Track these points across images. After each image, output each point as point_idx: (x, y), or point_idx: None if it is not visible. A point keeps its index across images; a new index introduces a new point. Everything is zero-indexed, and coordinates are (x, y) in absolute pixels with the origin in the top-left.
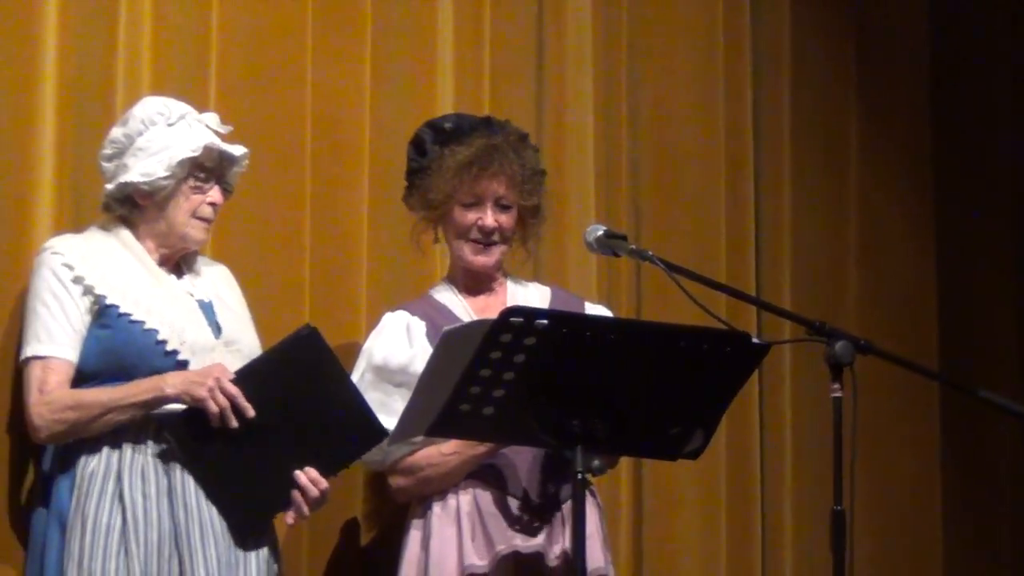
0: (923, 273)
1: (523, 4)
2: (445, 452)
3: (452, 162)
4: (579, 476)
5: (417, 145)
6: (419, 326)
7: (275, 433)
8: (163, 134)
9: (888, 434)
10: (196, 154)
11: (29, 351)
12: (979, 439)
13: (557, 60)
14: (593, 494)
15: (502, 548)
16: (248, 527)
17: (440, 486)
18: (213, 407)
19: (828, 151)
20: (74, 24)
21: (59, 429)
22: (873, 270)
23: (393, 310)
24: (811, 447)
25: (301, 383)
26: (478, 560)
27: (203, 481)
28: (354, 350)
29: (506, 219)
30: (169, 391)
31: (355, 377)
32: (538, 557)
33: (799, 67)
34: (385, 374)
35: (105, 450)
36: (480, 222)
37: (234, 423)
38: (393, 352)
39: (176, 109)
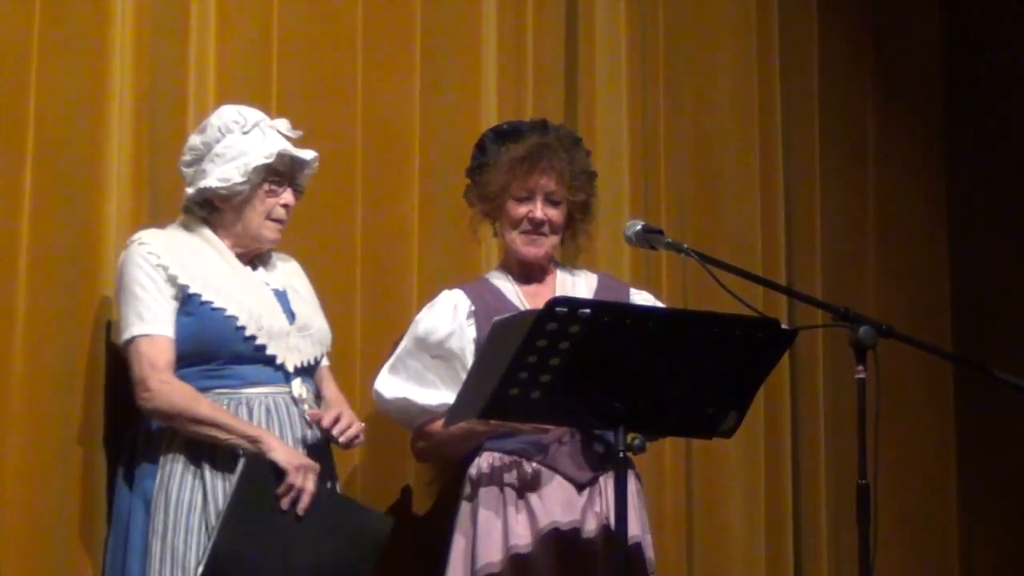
0: (937, 259)
1: (563, 14)
2: (452, 430)
3: (506, 158)
4: (621, 455)
5: (479, 145)
6: (465, 305)
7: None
8: (239, 141)
9: (908, 411)
10: (270, 160)
11: (134, 331)
12: (991, 414)
13: (594, 66)
14: (632, 467)
15: (544, 524)
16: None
17: (452, 452)
18: (296, 478)
19: (848, 147)
20: (147, 40)
21: (164, 411)
22: (890, 257)
23: (451, 288)
24: (844, 428)
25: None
26: (522, 537)
27: (230, 512)
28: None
29: (555, 213)
30: (269, 453)
31: (400, 346)
32: (575, 531)
33: (824, 71)
34: (424, 345)
35: (185, 437)
36: (531, 214)
37: (296, 505)
38: (435, 327)
39: (250, 117)
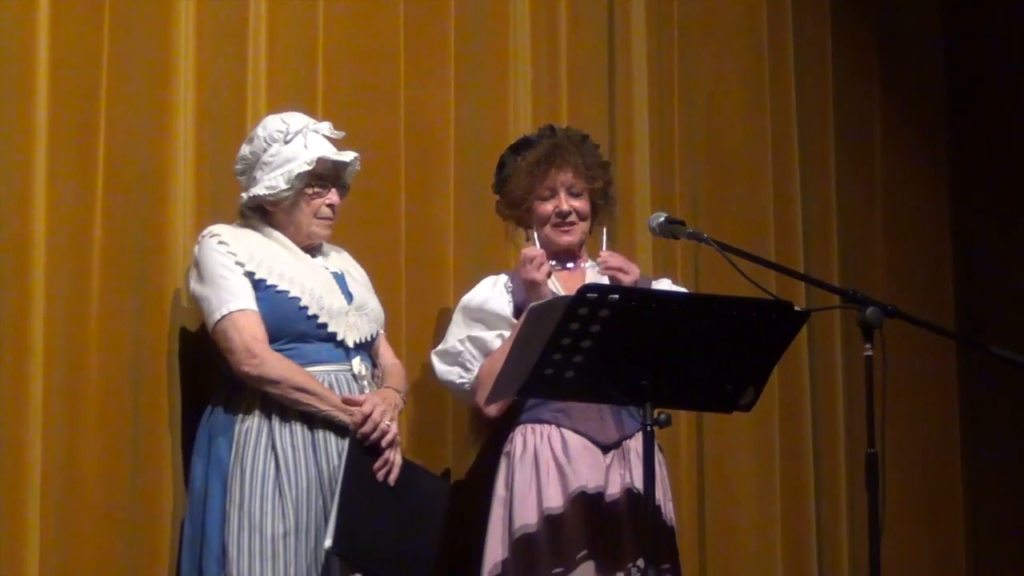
0: (940, 245)
1: (593, 27)
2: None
3: (525, 164)
4: (648, 428)
5: (499, 164)
6: (503, 280)
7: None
8: (283, 149)
9: (915, 387)
10: (311, 167)
11: (227, 307)
12: (992, 389)
13: (631, 71)
14: (660, 445)
15: (574, 487)
16: (347, 541)
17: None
18: (388, 453)
19: (857, 143)
20: (207, 55)
21: (270, 377)
22: (897, 244)
23: (488, 276)
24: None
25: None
26: (554, 499)
27: (344, 489)
28: (443, 327)
29: (579, 203)
30: (358, 430)
31: (452, 323)
32: (600, 494)
33: (835, 74)
34: (468, 312)
35: (258, 411)
36: (557, 208)
37: (389, 476)
38: (476, 296)
39: (293, 124)
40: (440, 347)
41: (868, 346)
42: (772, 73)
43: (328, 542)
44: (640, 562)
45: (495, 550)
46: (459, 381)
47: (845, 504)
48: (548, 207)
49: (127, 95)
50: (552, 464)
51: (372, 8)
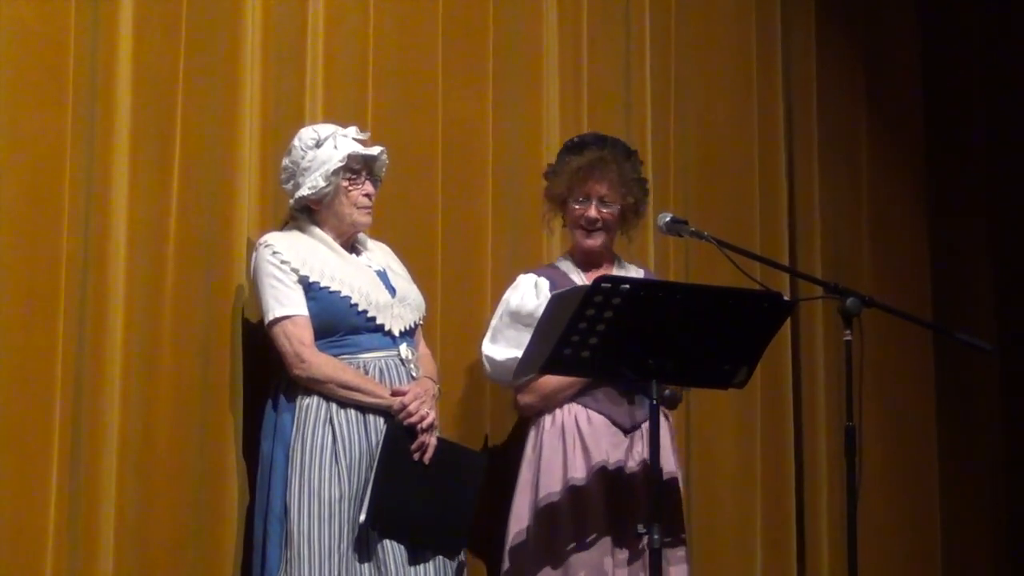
0: (919, 244)
1: (612, 47)
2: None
3: (569, 168)
4: (654, 403)
5: (558, 155)
6: (545, 283)
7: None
8: (318, 154)
9: (893, 367)
10: (343, 163)
11: (276, 313)
12: (965, 370)
13: (645, 87)
14: (667, 417)
15: (597, 461)
16: (380, 516)
17: (557, 401)
18: (424, 436)
19: (844, 152)
20: (272, 69)
21: (318, 378)
22: (881, 242)
23: (526, 272)
24: (839, 380)
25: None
26: (579, 470)
27: (380, 469)
28: (478, 320)
29: (608, 213)
30: (398, 416)
31: (494, 322)
32: (620, 468)
33: (822, 82)
34: (518, 317)
35: (316, 391)
36: (586, 214)
37: (424, 456)
38: (525, 301)
39: (323, 132)
40: (491, 351)
41: (848, 332)
42: (760, 82)
43: (363, 517)
44: (642, 527)
45: (520, 516)
46: (506, 382)
47: (825, 478)
48: (579, 211)
49: (200, 106)
50: (577, 437)
51: (415, 31)
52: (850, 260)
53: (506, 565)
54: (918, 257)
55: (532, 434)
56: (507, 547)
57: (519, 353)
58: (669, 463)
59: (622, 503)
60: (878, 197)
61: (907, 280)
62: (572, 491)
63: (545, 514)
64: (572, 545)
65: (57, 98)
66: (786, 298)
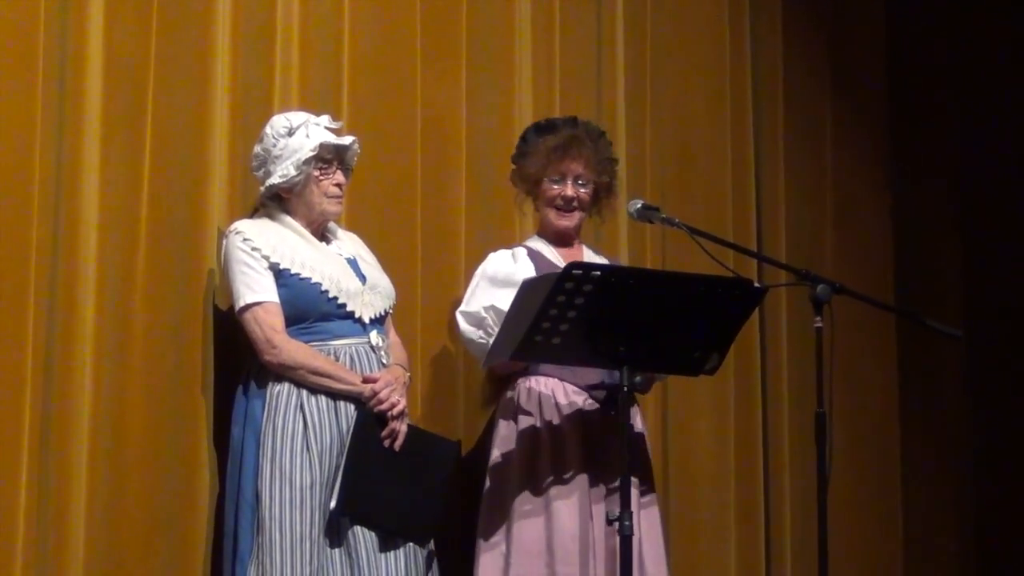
0: (883, 231)
1: (584, 34)
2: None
3: (543, 147)
4: (625, 389)
5: (523, 137)
6: (522, 251)
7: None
8: (289, 142)
9: (857, 352)
10: (315, 152)
11: (247, 299)
12: (928, 356)
13: (615, 74)
14: (636, 401)
15: (571, 412)
16: (350, 503)
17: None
18: (394, 423)
19: (810, 140)
20: (242, 54)
21: (289, 364)
22: (845, 230)
23: (495, 251)
24: (804, 367)
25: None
26: (555, 418)
27: (349, 456)
28: (454, 297)
29: (583, 193)
30: (369, 403)
31: (469, 293)
32: (593, 420)
33: (788, 78)
34: (495, 281)
35: (287, 377)
36: (562, 193)
37: (394, 443)
38: (501, 267)
39: (295, 120)
40: (465, 308)
41: (818, 319)
42: (732, 75)
43: (333, 503)
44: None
45: (506, 439)
46: (479, 341)
47: (787, 457)
48: (555, 190)
49: (171, 93)
50: (552, 401)
51: (391, 16)
52: (814, 246)
53: (488, 484)
54: (882, 243)
55: (504, 402)
56: (489, 465)
57: (493, 302)
58: (639, 424)
59: (596, 448)
60: (842, 183)
61: (871, 266)
62: (550, 430)
63: (527, 442)
64: (550, 478)
65: (27, 85)
66: (757, 285)
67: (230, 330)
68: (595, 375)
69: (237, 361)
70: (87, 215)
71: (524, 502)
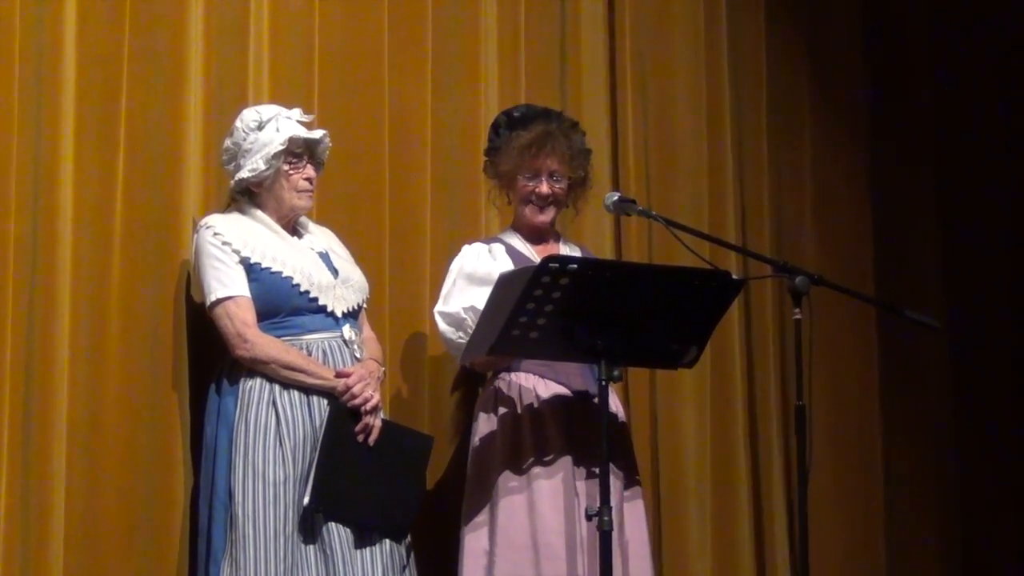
0: (862, 222)
1: (549, 39)
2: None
3: (517, 143)
4: (602, 382)
5: (494, 128)
6: (499, 248)
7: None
8: (259, 136)
9: (836, 343)
10: (284, 146)
11: (218, 294)
12: (906, 346)
13: (580, 69)
14: (615, 392)
15: (559, 392)
16: (324, 499)
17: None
18: (368, 418)
19: (790, 132)
20: (215, 50)
21: (261, 359)
22: (824, 221)
23: (470, 243)
24: (790, 358)
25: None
26: (538, 405)
27: (323, 451)
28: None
29: (558, 188)
30: (342, 398)
31: (445, 288)
32: (576, 407)
33: (768, 70)
34: (473, 279)
35: (259, 372)
36: (537, 190)
37: (368, 438)
38: (479, 264)
39: (266, 113)
40: (443, 308)
41: (797, 310)
42: (709, 69)
43: (307, 499)
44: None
45: (489, 421)
46: (458, 341)
47: (777, 450)
48: (530, 186)
49: (145, 87)
50: (533, 393)
51: (360, 14)
52: (793, 237)
53: (470, 470)
54: (861, 234)
55: (485, 395)
56: (470, 454)
57: (473, 303)
58: (620, 413)
59: (577, 432)
60: (821, 175)
61: (850, 257)
62: (532, 415)
63: (509, 427)
64: (532, 459)
65: (3, 80)
66: (735, 277)
67: (206, 324)
68: (580, 380)
69: (214, 357)
70: (63, 210)
71: (508, 479)
